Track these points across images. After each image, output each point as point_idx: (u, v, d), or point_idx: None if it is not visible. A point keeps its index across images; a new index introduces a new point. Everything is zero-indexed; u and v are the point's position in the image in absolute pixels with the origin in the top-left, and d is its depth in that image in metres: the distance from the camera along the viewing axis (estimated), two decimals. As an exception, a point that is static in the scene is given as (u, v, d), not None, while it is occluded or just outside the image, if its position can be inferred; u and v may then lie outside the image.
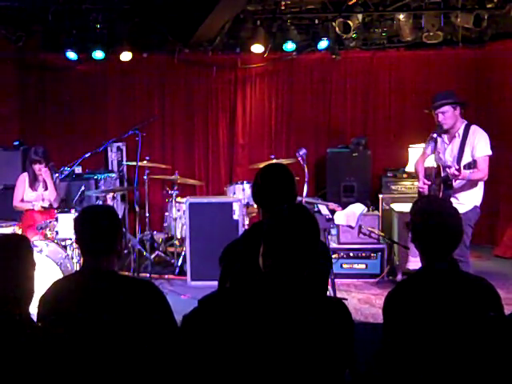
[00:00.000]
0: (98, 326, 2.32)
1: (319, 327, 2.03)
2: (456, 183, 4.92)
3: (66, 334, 2.16)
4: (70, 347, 2.08)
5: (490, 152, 4.94)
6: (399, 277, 6.38)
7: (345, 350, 2.07)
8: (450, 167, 4.87)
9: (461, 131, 5.00)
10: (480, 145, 4.90)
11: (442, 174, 5.00)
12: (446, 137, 5.13)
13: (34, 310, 2.28)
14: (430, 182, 5.13)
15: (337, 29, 7.40)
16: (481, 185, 5.01)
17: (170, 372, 2.31)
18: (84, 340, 2.28)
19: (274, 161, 7.01)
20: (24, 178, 6.00)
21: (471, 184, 4.92)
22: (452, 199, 4.81)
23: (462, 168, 4.70)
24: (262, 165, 7.23)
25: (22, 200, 5.99)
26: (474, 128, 5.00)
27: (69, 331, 2.27)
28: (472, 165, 4.64)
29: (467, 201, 4.92)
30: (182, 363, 2.13)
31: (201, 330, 2.08)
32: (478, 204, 5.00)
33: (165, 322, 2.44)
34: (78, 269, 5.35)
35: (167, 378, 2.32)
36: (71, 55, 7.67)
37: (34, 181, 5.96)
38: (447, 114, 4.98)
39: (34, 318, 2.30)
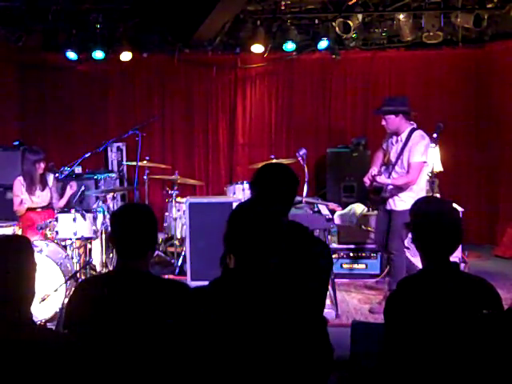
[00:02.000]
0: (129, 327, 2.29)
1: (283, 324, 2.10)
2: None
3: (73, 335, 2.15)
4: (75, 349, 2.07)
5: (423, 159, 5.17)
6: (399, 277, 6.38)
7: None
8: (388, 167, 5.27)
9: (404, 135, 5.23)
10: (416, 152, 5.12)
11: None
12: (394, 138, 5.32)
13: (34, 310, 2.27)
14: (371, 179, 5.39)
15: (337, 29, 7.40)
16: (423, 186, 5.30)
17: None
18: (108, 342, 2.27)
19: (274, 161, 7.00)
20: (20, 183, 5.93)
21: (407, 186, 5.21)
22: (395, 197, 5.23)
23: (376, 176, 5.15)
24: (262, 165, 7.23)
25: (21, 203, 5.95)
26: (416, 134, 5.19)
27: (97, 333, 2.26)
28: (378, 173, 5.13)
29: (408, 199, 5.10)
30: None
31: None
32: None
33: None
34: (77, 269, 5.36)
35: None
36: (71, 55, 7.67)
37: (31, 185, 5.90)
38: (389, 121, 5.24)
39: (35, 318, 2.29)
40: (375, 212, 6.80)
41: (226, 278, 2.22)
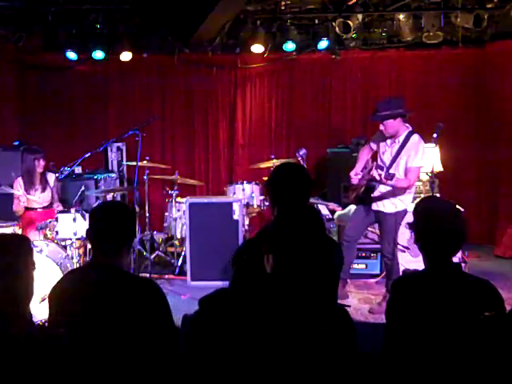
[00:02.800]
0: (97, 322, 2.33)
1: (320, 334, 2.00)
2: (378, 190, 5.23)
3: (67, 332, 2.16)
4: (70, 347, 2.08)
5: (422, 164, 5.14)
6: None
7: (346, 358, 2.03)
8: (382, 169, 5.14)
9: (401, 138, 5.15)
10: (415, 157, 5.06)
11: (371, 172, 5.18)
12: (390, 140, 5.25)
13: (34, 310, 2.28)
14: (361, 174, 5.31)
15: (337, 29, 7.40)
16: (412, 189, 5.28)
17: (166, 371, 2.31)
18: (83, 337, 2.29)
19: (277, 161, 7.00)
20: (18, 183, 5.92)
21: (403, 189, 5.15)
22: (384, 200, 5.20)
23: (382, 175, 4.96)
24: (262, 165, 7.26)
25: (18, 200, 5.94)
26: (414, 137, 5.12)
27: (71, 327, 2.27)
28: (390, 176, 4.91)
29: (398, 202, 5.15)
30: (183, 363, 2.13)
31: (204, 332, 2.06)
32: (408, 206, 5.23)
33: (163, 321, 2.45)
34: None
35: (164, 377, 2.32)
36: (71, 55, 7.68)
37: (30, 185, 5.89)
38: (387, 125, 5.13)
39: (34, 318, 2.29)
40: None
41: (261, 280, 2.12)
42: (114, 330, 2.33)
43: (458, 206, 2.66)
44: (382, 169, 5.19)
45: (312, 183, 2.81)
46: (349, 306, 4.81)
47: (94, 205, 6.17)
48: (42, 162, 5.87)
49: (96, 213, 2.59)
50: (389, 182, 4.99)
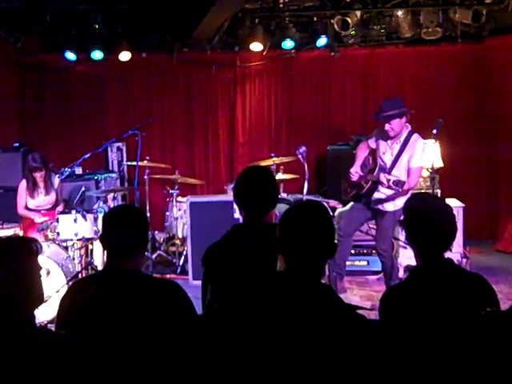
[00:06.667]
0: (120, 326, 2.30)
1: (335, 338, 1.88)
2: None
3: (73, 336, 2.14)
4: (76, 350, 2.07)
5: (423, 164, 5.17)
6: (401, 273, 6.36)
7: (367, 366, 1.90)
8: (384, 170, 5.11)
9: (402, 138, 5.14)
10: (416, 156, 5.06)
11: (375, 173, 5.18)
12: (390, 140, 5.22)
13: (35, 311, 2.27)
14: (362, 173, 5.30)
15: (335, 26, 7.40)
16: None
17: (192, 373, 2.26)
18: (102, 343, 2.26)
19: (262, 162, 7.00)
20: (23, 186, 5.91)
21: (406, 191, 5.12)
22: (386, 203, 5.21)
23: (391, 180, 4.87)
24: (262, 163, 7.25)
25: (26, 206, 5.94)
26: (415, 137, 5.12)
27: (88, 333, 2.25)
28: (400, 184, 4.83)
29: (399, 201, 5.12)
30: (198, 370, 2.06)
31: (213, 338, 1.96)
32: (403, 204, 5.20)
33: (189, 323, 2.40)
34: (79, 269, 5.36)
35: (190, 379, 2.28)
36: (70, 56, 7.68)
37: (33, 188, 5.88)
38: (394, 124, 5.06)
39: (36, 320, 2.29)
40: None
41: (271, 281, 1.99)
42: (137, 334, 2.30)
43: (454, 201, 2.65)
44: (383, 169, 5.18)
45: (275, 185, 2.79)
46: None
47: (95, 206, 6.17)
48: (38, 174, 5.79)
49: (110, 217, 2.55)
50: (397, 189, 4.96)
